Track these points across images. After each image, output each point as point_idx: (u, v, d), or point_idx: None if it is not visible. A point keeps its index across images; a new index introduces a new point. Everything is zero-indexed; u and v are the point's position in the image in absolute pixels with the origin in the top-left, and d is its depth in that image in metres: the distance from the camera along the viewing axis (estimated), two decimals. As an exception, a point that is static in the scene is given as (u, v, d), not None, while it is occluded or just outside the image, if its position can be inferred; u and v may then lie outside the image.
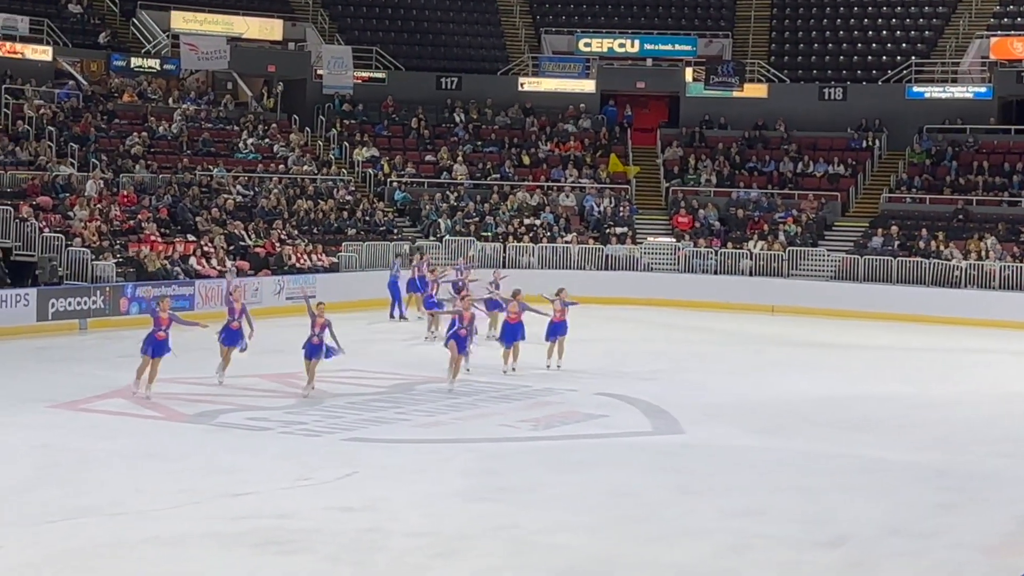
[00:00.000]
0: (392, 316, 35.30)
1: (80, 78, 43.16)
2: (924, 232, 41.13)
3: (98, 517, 14.80)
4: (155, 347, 22.32)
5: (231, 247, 36.77)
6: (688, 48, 49.18)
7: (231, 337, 23.90)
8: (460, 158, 46.16)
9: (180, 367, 23.95)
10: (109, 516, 14.86)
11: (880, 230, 41.82)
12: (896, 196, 44.42)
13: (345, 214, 41.90)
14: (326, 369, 23.41)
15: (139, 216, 36.19)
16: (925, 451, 20.10)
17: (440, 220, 42.87)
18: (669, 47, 49.41)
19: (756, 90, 47.95)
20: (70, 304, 31.03)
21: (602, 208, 44.59)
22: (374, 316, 35.03)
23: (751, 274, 41.78)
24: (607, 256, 42.54)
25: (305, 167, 43.82)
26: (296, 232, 39.26)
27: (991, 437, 21.34)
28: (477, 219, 43.25)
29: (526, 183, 45.51)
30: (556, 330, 26.63)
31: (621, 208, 44.78)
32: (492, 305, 29.73)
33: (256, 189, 40.93)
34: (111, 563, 13.17)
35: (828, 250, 42.17)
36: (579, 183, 45.75)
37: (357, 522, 14.95)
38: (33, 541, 13.82)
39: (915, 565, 14.04)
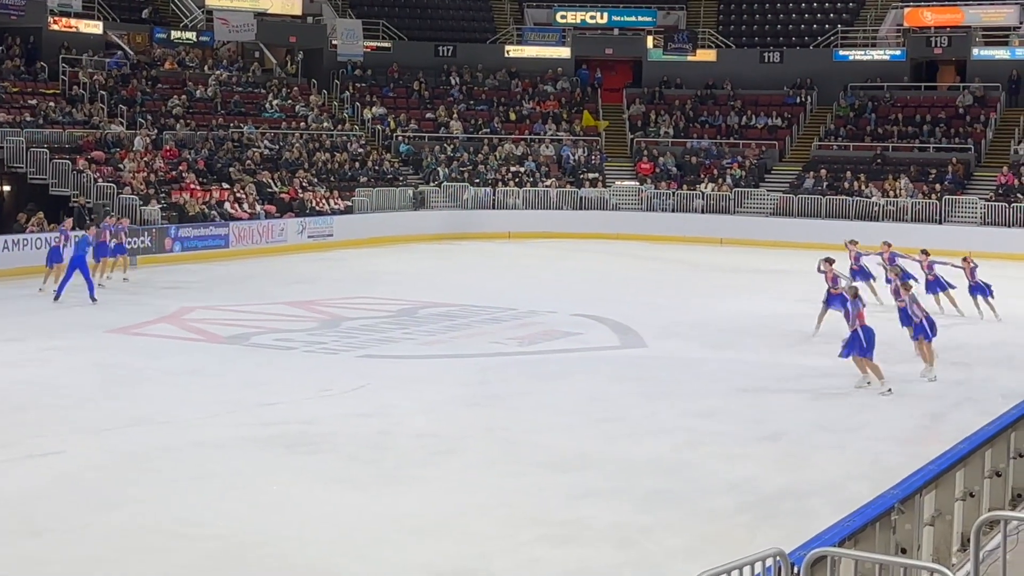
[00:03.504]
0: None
1: (127, 49, 42.69)
2: (848, 174, 41.13)
3: (150, 425, 14.84)
4: None
5: (259, 193, 36.61)
6: (649, 19, 48.73)
7: None
8: (455, 115, 45.85)
9: (214, 298, 23.86)
10: (159, 424, 14.90)
11: (811, 173, 41.79)
12: (825, 144, 44.30)
13: (357, 164, 41.69)
14: (344, 295, 23.23)
15: (180, 167, 35.99)
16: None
17: (439, 168, 42.67)
18: (633, 18, 48.96)
19: (707, 55, 47.64)
20: (123, 244, 30.76)
21: (576, 157, 44.42)
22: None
23: (703, 211, 41.73)
24: (581, 198, 42.46)
25: (323, 124, 43.55)
26: (315, 180, 39.08)
27: (906, 347, 21.37)
28: (470, 167, 43.07)
29: (512, 136, 45.27)
30: (975, 290, 23.72)
31: (593, 157, 44.63)
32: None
33: (281, 143, 40.67)
34: (163, 463, 13.21)
35: (768, 190, 42.10)
36: (557, 136, 45.52)
37: (370, 426, 14.99)
38: (97, 446, 13.87)
39: (840, 455, 14.14)
